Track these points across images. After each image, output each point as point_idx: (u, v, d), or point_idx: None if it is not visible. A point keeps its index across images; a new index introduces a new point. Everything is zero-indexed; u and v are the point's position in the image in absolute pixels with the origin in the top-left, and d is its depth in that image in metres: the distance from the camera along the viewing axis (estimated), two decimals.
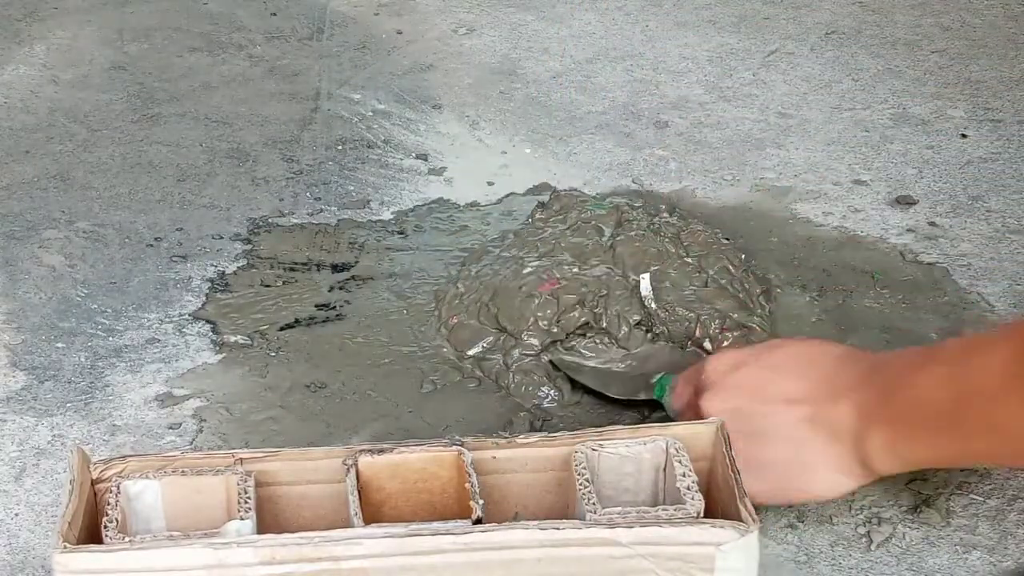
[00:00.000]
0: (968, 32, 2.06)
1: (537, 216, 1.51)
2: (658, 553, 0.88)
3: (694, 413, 1.07)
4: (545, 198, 1.57)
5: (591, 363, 1.32)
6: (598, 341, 1.33)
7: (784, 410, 1.02)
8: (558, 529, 0.88)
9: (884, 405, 0.98)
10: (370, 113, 1.85)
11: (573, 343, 1.33)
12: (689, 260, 1.40)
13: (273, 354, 1.37)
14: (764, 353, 1.07)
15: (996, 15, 2.12)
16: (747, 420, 1.03)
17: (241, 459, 0.96)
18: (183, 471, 0.95)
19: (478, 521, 0.90)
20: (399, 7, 2.17)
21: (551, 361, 1.32)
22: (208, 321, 1.42)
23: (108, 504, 0.92)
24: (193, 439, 1.26)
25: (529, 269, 1.39)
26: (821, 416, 1.00)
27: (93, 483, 0.94)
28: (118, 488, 0.93)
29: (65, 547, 0.86)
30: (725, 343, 1.31)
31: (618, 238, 1.43)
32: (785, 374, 1.04)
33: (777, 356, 1.06)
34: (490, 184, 1.68)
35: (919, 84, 1.91)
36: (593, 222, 1.46)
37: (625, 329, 1.33)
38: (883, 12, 2.13)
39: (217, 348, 1.38)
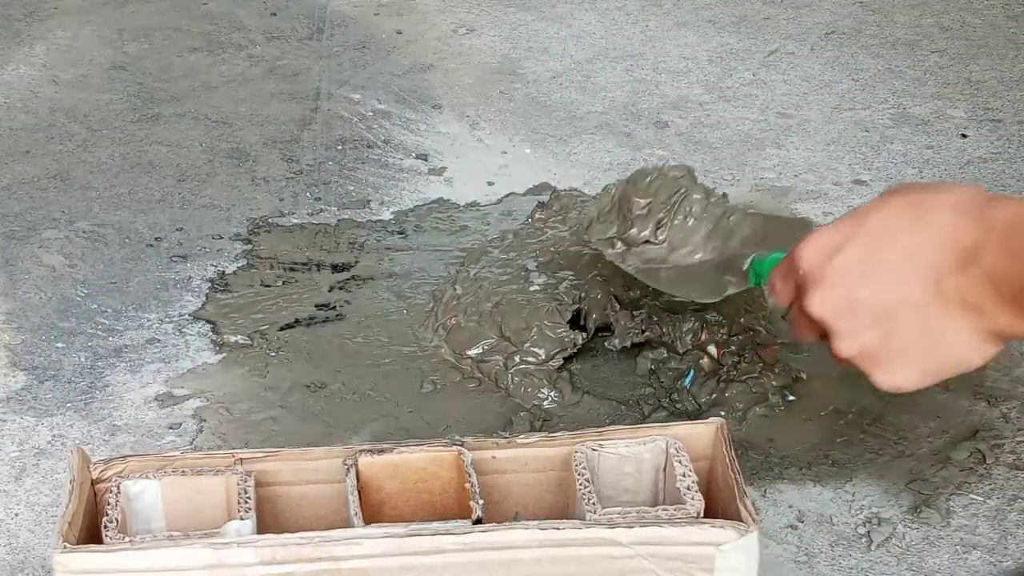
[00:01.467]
0: (968, 32, 2.06)
1: (537, 216, 1.51)
2: (658, 553, 0.88)
3: (804, 314, 0.93)
4: (545, 198, 1.57)
5: (672, 259, 1.20)
6: (666, 226, 1.22)
7: (904, 286, 0.87)
8: (558, 529, 0.88)
9: (1017, 269, 0.83)
10: (370, 113, 1.85)
11: (642, 244, 1.23)
12: None
13: (273, 354, 1.37)
14: (859, 225, 0.90)
15: (996, 15, 2.12)
16: (866, 309, 0.88)
17: (241, 459, 0.96)
18: (183, 471, 0.95)
19: (478, 521, 0.90)
20: (399, 7, 2.17)
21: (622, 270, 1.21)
22: (208, 321, 1.42)
23: (108, 504, 0.92)
24: (193, 439, 1.26)
25: (536, 287, 1.38)
26: (949, 286, 0.86)
27: (93, 483, 0.94)
28: (118, 488, 0.93)
29: (65, 547, 0.86)
30: (732, 347, 1.31)
31: None
32: (893, 242, 0.88)
33: (876, 223, 0.89)
34: (490, 184, 1.68)
35: (919, 84, 1.91)
36: None
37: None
38: (883, 12, 2.13)
39: (217, 348, 1.38)
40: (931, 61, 1.97)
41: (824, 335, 0.92)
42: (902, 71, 1.95)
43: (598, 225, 1.31)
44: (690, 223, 1.24)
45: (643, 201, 1.27)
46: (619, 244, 1.28)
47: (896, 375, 0.89)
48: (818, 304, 0.90)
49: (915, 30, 2.07)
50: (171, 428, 1.27)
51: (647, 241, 1.26)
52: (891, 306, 0.88)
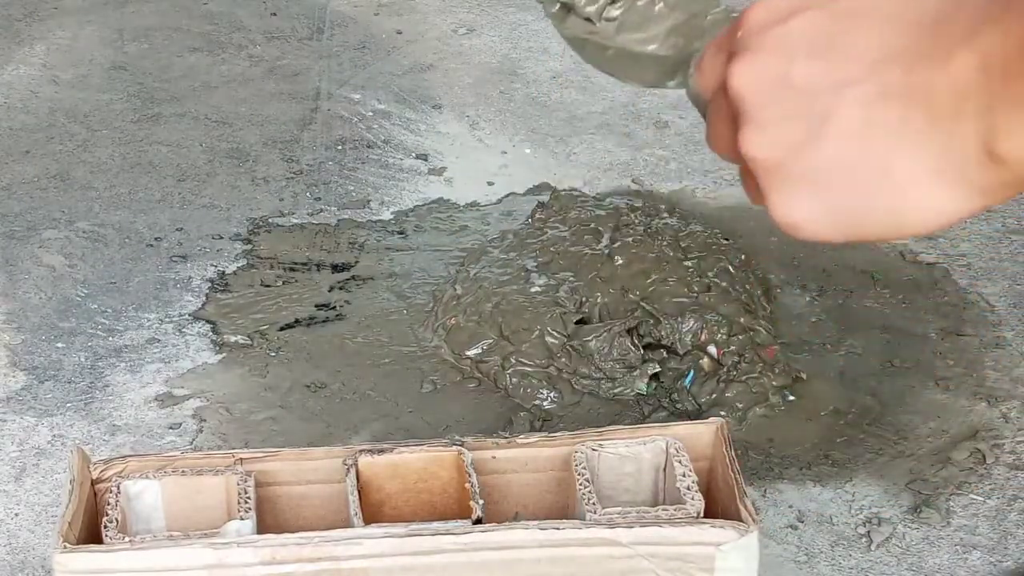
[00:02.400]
0: None
1: (537, 216, 1.51)
2: (658, 553, 0.88)
3: (725, 97, 0.65)
4: (545, 198, 1.57)
5: (620, 39, 0.98)
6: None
7: (859, 77, 0.59)
8: (558, 529, 0.88)
9: None
10: (370, 113, 1.85)
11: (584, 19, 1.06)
12: (688, 264, 1.40)
13: (273, 354, 1.37)
14: None
15: None
16: (796, 100, 0.61)
17: (241, 459, 0.96)
18: (183, 471, 0.95)
19: (478, 521, 0.90)
20: (399, 7, 2.17)
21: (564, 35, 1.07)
22: (208, 321, 1.42)
23: (108, 504, 0.92)
24: (193, 439, 1.26)
25: (537, 288, 1.38)
26: (920, 82, 0.58)
27: (93, 483, 0.94)
28: (118, 488, 0.93)
29: (65, 547, 0.86)
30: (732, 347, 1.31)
31: (615, 244, 1.42)
32: (865, 19, 0.61)
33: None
34: (490, 184, 1.68)
35: None
36: (592, 224, 1.46)
37: None
38: None
39: (217, 348, 1.38)
40: None
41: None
42: None
43: None
44: (656, 8, 1.07)
45: None
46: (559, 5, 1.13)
47: (798, 204, 0.61)
48: (739, 73, 0.63)
49: None
50: (171, 428, 1.27)
51: (588, 19, 1.10)
52: (830, 98, 0.61)
